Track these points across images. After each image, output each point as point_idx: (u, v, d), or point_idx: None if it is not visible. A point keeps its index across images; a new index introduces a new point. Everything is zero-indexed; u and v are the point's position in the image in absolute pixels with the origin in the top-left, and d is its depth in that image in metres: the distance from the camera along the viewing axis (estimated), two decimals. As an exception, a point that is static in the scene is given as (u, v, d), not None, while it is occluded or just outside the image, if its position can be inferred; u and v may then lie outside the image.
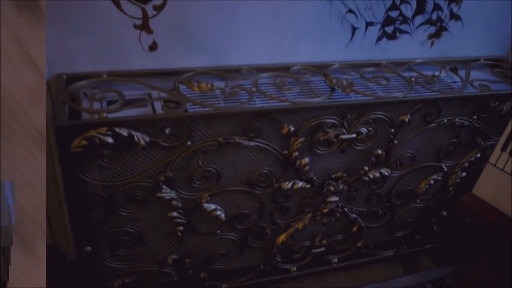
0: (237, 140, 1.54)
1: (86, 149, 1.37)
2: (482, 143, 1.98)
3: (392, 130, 1.75)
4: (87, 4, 1.49)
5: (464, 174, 2.06)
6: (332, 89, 1.67)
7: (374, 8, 1.83)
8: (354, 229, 2.04)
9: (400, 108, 1.72)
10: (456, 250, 2.36)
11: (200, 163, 1.56)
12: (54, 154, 1.69)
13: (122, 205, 1.57)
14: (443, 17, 1.98)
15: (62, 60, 1.57)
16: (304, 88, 1.69)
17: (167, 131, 1.45)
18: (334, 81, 1.70)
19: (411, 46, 1.99)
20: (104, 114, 1.40)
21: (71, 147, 1.36)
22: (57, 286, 1.67)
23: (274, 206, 1.80)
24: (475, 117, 1.89)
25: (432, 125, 1.82)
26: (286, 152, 1.65)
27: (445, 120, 1.83)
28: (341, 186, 1.83)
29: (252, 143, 1.57)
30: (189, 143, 1.50)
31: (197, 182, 1.60)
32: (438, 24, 1.99)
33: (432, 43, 2.03)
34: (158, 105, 1.53)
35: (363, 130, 1.69)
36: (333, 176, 1.81)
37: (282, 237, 1.92)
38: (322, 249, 2.06)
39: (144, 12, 1.55)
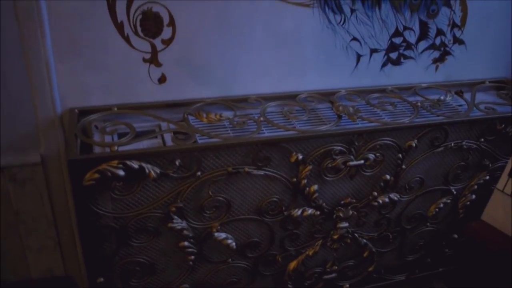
0: (246, 169, 1.56)
1: (98, 182, 1.40)
2: (490, 165, 1.98)
3: (400, 155, 1.76)
4: (98, 41, 1.53)
5: (473, 196, 2.06)
6: (339, 117, 1.69)
7: (378, 36, 1.86)
8: (365, 254, 2.04)
9: (407, 133, 1.73)
10: (469, 273, 2.34)
11: (210, 192, 1.58)
12: (66, 186, 1.72)
13: (133, 235, 1.58)
14: (446, 41, 2.01)
15: (74, 95, 1.61)
16: (311, 116, 1.71)
17: (177, 162, 1.47)
18: (340, 108, 1.72)
19: (416, 71, 2.02)
20: (116, 147, 1.43)
21: (83, 180, 1.39)
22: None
23: (284, 233, 1.81)
24: (482, 139, 1.90)
25: (440, 149, 1.83)
26: (295, 180, 1.66)
27: (452, 144, 1.84)
28: (350, 212, 1.84)
29: (261, 172, 1.59)
30: (199, 173, 1.52)
31: (208, 212, 1.62)
32: (442, 49, 2.01)
33: (436, 67, 2.05)
34: (168, 137, 1.56)
35: (371, 156, 1.70)
36: (342, 202, 1.82)
37: (293, 264, 1.92)
38: (334, 275, 2.06)
39: (153, 46, 1.59)
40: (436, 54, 2.01)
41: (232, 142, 1.51)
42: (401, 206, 1.96)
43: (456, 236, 2.19)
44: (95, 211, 1.47)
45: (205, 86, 1.72)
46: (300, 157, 1.60)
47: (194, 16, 1.58)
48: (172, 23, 1.57)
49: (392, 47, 1.91)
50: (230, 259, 1.80)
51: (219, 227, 1.67)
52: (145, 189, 1.51)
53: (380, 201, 1.86)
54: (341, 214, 1.82)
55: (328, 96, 1.83)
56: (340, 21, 1.76)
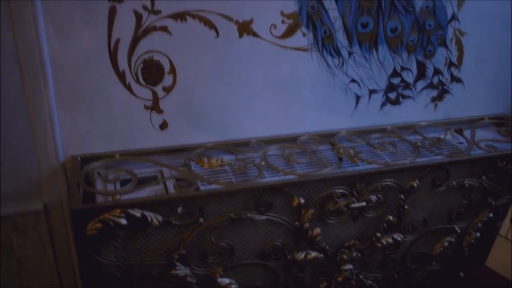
0: (248, 215, 1.56)
1: (100, 231, 1.40)
2: (493, 202, 1.98)
3: (402, 196, 1.77)
4: (100, 90, 1.56)
5: (478, 234, 2.04)
6: (340, 159, 1.70)
7: (376, 77, 1.88)
8: (371, 295, 2.02)
9: (408, 174, 1.74)
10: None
11: (212, 239, 1.57)
12: (69, 234, 1.71)
13: (137, 283, 1.57)
14: (444, 80, 2.03)
15: (76, 143, 1.62)
16: (312, 158, 1.72)
17: (179, 210, 1.47)
18: (341, 150, 1.73)
19: (415, 110, 2.04)
20: (118, 196, 1.44)
21: (86, 230, 1.39)
22: None
23: (288, 277, 1.79)
24: (484, 177, 1.90)
25: (442, 188, 1.83)
26: (297, 223, 1.66)
27: (454, 183, 1.84)
28: (354, 254, 1.83)
29: (263, 217, 1.59)
30: (201, 220, 1.52)
31: (211, 258, 1.61)
32: (440, 87, 2.04)
33: (435, 106, 2.07)
34: (170, 183, 1.57)
35: (373, 197, 1.71)
36: (346, 244, 1.81)
37: (298, 307, 1.90)
38: (339, 317, 2.03)
39: (155, 94, 1.62)
40: (435, 92, 2.04)
41: (234, 189, 1.52)
42: (405, 246, 1.95)
43: (462, 274, 2.16)
44: (98, 260, 1.46)
45: (206, 131, 1.73)
46: (302, 201, 1.60)
47: (194, 63, 1.61)
48: (172, 71, 1.60)
49: (391, 87, 1.93)
50: (234, 304, 1.78)
51: (222, 273, 1.66)
52: (148, 237, 1.51)
53: (384, 242, 1.85)
54: (345, 256, 1.81)
55: (328, 137, 1.84)
56: (338, 64, 1.79)
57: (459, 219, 1.99)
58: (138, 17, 1.49)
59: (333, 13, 1.70)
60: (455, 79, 2.05)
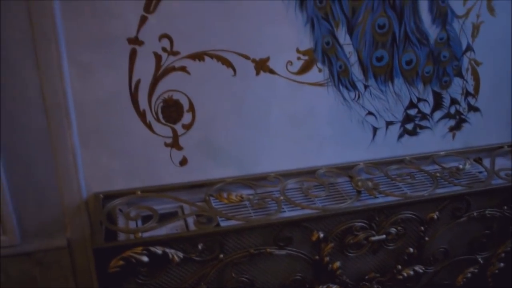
0: (268, 250, 1.57)
1: (122, 268, 1.42)
2: (516, 231, 1.95)
3: (422, 227, 1.76)
4: (121, 129, 1.60)
5: (502, 264, 2.01)
6: (359, 192, 1.71)
7: (393, 108, 1.90)
8: (393, 328, 1.99)
9: (427, 205, 1.73)
10: None
11: (233, 274, 1.58)
12: (92, 269, 1.74)
13: (158, 320, 1.58)
14: (461, 110, 2.03)
15: (98, 180, 1.66)
16: (331, 191, 1.73)
17: (200, 246, 1.49)
18: (359, 183, 1.73)
19: (433, 140, 2.04)
20: (140, 234, 1.46)
21: (108, 267, 1.41)
22: None
23: (309, 310, 1.79)
24: (505, 207, 1.88)
25: (462, 219, 1.82)
26: (317, 257, 1.66)
27: (475, 213, 1.83)
28: (375, 287, 1.82)
29: (283, 252, 1.60)
30: (221, 256, 1.53)
31: (231, 293, 1.62)
32: (457, 117, 2.04)
33: (453, 135, 2.07)
34: (190, 219, 1.59)
35: (393, 230, 1.70)
36: (367, 277, 1.80)
37: None
38: None
39: (174, 131, 1.65)
40: (452, 122, 2.04)
41: (253, 224, 1.53)
42: (427, 278, 1.92)
43: (486, 305, 2.13)
44: (120, 297, 1.48)
45: (225, 166, 1.76)
46: (322, 235, 1.61)
47: (213, 101, 1.65)
48: (192, 109, 1.64)
49: (408, 118, 1.94)
50: None
51: (243, 308, 1.66)
52: (169, 273, 1.52)
53: (405, 274, 1.83)
54: (366, 289, 1.80)
55: (346, 170, 1.85)
56: (355, 97, 1.81)
57: (481, 250, 1.96)
58: (158, 58, 1.54)
59: (348, 48, 1.73)
60: (473, 108, 2.05)
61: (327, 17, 1.66)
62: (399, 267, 1.82)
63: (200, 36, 1.56)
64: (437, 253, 1.87)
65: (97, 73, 1.52)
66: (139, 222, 1.58)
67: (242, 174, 1.78)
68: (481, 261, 1.98)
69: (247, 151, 1.76)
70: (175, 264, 1.49)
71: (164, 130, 1.64)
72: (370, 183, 1.74)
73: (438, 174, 1.85)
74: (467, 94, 2.01)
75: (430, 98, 1.95)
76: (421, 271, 1.85)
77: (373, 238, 1.68)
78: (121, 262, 1.41)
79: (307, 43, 1.67)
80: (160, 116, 1.62)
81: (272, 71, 1.67)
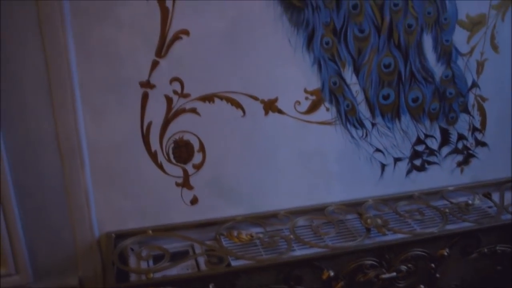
0: (279, 289, 1.57)
1: (134, 309, 1.43)
2: (528, 267, 1.94)
3: (432, 264, 1.75)
4: (133, 169, 1.64)
5: (514, 300, 1.99)
6: (368, 230, 1.72)
7: (401, 145, 1.92)
8: None
9: (437, 242, 1.73)
10: None
11: (243, 313, 1.58)
12: (103, 309, 1.75)
13: None
14: (468, 145, 2.05)
15: (110, 219, 1.69)
16: (340, 229, 1.74)
17: (211, 286, 1.50)
18: (369, 221, 1.74)
19: (441, 175, 2.05)
20: (151, 274, 1.47)
21: (120, 308, 1.42)
22: None
23: None
24: (516, 242, 1.87)
25: (473, 255, 1.81)
26: (328, 295, 1.66)
27: (486, 250, 1.82)
28: (387, 325, 1.80)
29: (294, 291, 1.60)
30: (232, 296, 1.54)
31: (242, 333, 1.61)
32: (465, 152, 2.05)
33: (461, 170, 2.08)
34: (201, 258, 1.60)
35: (403, 268, 1.70)
36: (378, 315, 1.79)
37: None
38: None
39: (185, 171, 1.68)
40: (460, 157, 2.05)
41: (263, 264, 1.55)
42: (440, 315, 1.91)
43: None
44: (131, 338, 1.48)
45: (235, 205, 1.78)
46: (332, 273, 1.61)
47: (223, 141, 1.68)
48: (202, 149, 1.67)
49: (415, 154, 1.96)
50: None
51: None
52: (180, 313, 1.53)
53: (417, 312, 1.82)
54: (377, 328, 1.79)
55: (355, 206, 1.86)
56: (362, 135, 1.84)
57: (494, 286, 1.94)
58: (169, 101, 1.58)
59: (355, 87, 1.76)
60: (480, 143, 2.07)
61: (334, 58, 1.70)
62: (411, 304, 1.81)
63: (210, 79, 1.60)
64: (449, 289, 1.86)
65: (110, 116, 1.56)
66: (151, 262, 1.59)
67: (252, 211, 1.80)
68: (494, 298, 1.97)
69: (257, 189, 1.78)
70: (186, 304, 1.49)
71: (175, 170, 1.67)
72: (379, 220, 1.74)
73: (447, 210, 1.85)
74: (474, 129, 2.03)
75: (437, 134, 1.97)
76: (433, 308, 1.84)
77: (383, 276, 1.68)
78: (133, 303, 1.43)
79: (314, 83, 1.71)
80: (171, 156, 1.65)
81: (280, 111, 1.70)
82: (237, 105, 1.65)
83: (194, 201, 1.73)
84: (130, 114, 1.57)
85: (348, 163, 1.86)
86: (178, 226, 1.74)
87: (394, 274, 1.70)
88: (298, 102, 1.72)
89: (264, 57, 1.63)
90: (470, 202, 1.94)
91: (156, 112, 1.59)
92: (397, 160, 1.93)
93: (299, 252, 1.64)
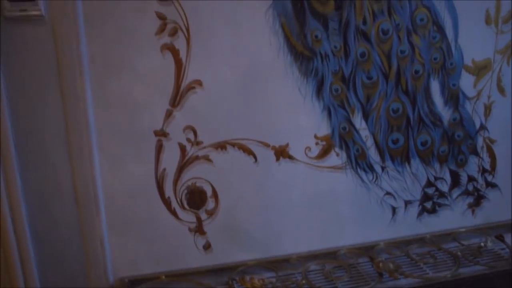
0: (292, 337, 1.57)
1: None
2: (543, 310, 1.92)
3: (446, 309, 1.75)
4: (147, 215, 1.66)
5: None
6: (380, 274, 1.72)
7: (411, 188, 1.93)
8: None
9: (450, 287, 1.73)
10: None
11: None
12: None
13: None
14: (479, 186, 2.06)
15: (125, 265, 1.71)
16: (352, 273, 1.74)
17: (224, 334, 1.50)
18: (381, 265, 1.75)
19: (453, 217, 2.05)
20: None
21: None
22: None
23: None
24: (531, 286, 1.86)
25: (487, 299, 1.80)
26: None
27: (500, 293, 1.81)
28: None
29: (307, 338, 1.60)
30: None
31: None
32: (476, 194, 2.06)
33: (473, 212, 2.08)
34: (214, 305, 1.61)
35: (417, 313, 1.69)
36: None
37: None
38: None
39: (198, 217, 1.71)
40: (471, 199, 2.06)
41: (276, 311, 1.55)
42: None
43: None
44: None
45: (247, 249, 1.79)
46: (345, 320, 1.61)
47: (235, 187, 1.71)
48: (215, 195, 1.70)
49: (426, 197, 1.97)
50: None
51: None
52: None
53: None
54: None
55: (367, 250, 1.87)
56: (372, 178, 1.86)
57: (509, 330, 1.92)
58: (183, 149, 1.62)
59: (364, 132, 1.80)
60: (490, 185, 2.07)
61: (343, 104, 1.74)
62: None
63: (222, 127, 1.64)
64: (464, 334, 1.84)
65: (125, 163, 1.60)
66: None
67: (265, 256, 1.81)
68: None
69: (269, 234, 1.80)
70: None
71: (188, 216, 1.70)
72: (391, 265, 1.75)
73: (459, 253, 1.85)
74: (483, 171, 2.04)
75: (447, 177, 1.98)
76: None
77: (397, 322, 1.68)
78: None
79: (324, 129, 1.75)
80: (185, 203, 1.68)
81: (291, 157, 1.73)
82: (249, 152, 1.68)
83: (207, 246, 1.75)
84: (145, 161, 1.61)
85: (359, 207, 1.88)
86: (191, 271, 1.75)
87: (408, 319, 1.69)
88: (309, 148, 1.75)
89: (275, 105, 1.67)
90: (482, 244, 1.93)
91: (170, 159, 1.63)
92: (407, 203, 1.95)
93: (312, 298, 1.64)
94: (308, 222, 1.83)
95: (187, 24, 1.52)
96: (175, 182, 1.66)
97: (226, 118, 1.64)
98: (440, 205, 2.01)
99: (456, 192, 2.02)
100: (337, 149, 1.78)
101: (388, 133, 1.83)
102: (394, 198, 1.92)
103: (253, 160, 1.70)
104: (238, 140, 1.67)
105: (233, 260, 1.79)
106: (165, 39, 1.52)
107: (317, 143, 1.75)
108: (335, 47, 1.68)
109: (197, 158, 1.65)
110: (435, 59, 1.81)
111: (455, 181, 2.00)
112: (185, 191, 1.67)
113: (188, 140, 1.62)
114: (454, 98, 1.89)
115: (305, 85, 1.68)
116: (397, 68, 1.77)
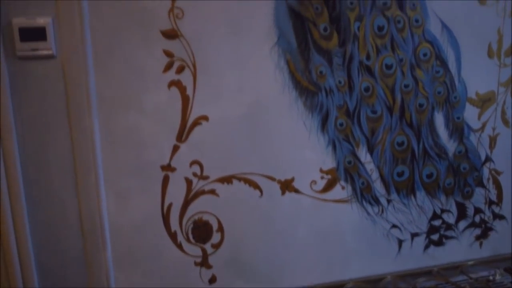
0: None
1: None
2: None
3: None
4: (153, 250, 1.67)
5: None
6: (387, 310, 1.71)
7: (417, 220, 1.93)
8: None
9: (459, 322, 1.71)
10: None
11: None
12: None
13: None
14: (486, 218, 2.05)
15: (131, 299, 1.71)
16: (359, 308, 1.73)
17: None
18: (388, 300, 1.74)
19: (460, 249, 2.04)
20: None
21: None
22: None
23: None
24: (541, 320, 1.84)
25: (496, 334, 1.78)
26: None
27: (509, 328, 1.79)
28: None
29: None
30: None
31: None
32: (483, 226, 2.05)
33: (480, 244, 2.07)
34: None
35: None
36: None
37: None
38: None
39: (204, 251, 1.71)
40: (478, 231, 2.05)
41: None
42: None
43: None
44: None
45: (253, 283, 1.79)
46: None
47: (241, 221, 1.72)
48: (220, 229, 1.70)
49: (432, 229, 1.96)
50: None
51: None
52: None
53: None
54: None
55: (374, 283, 1.86)
56: (378, 211, 1.86)
57: None
58: (189, 183, 1.64)
59: (369, 165, 1.81)
60: (498, 216, 2.07)
61: (348, 138, 1.75)
62: None
63: (228, 161, 1.66)
64: None
65: (132, 198, 1.62)
66: None
67: (270, 289, 1.81)
68: None
69: (275, 267, 1.80)
70: None
71: (194, 249, 1.70)
72: (398, 299, 1.74)
73: (468, 287, 1.83)
74: (490, 202, 2.04)
75: (454, 209, 1.98)
76: None
77: None
78: None
79: (329, 163, 1.76)
80: (190, 236, 1.69)
81: (297, 191, 1.74)
82: (255, 185, 1.69)
83: (212, 280, 1.75)
84: (151, 196, 1.63)
85: (365, 240, 1.87)
86: (196, 305, 1.75)
87: None
88: (314, 182, 1.76)
89: (280, 139, 1.69)
90: (491, 278, 1.92)
91: (176, 194, 1.64)
92: (414, 235, 1.94)
93: (318, 333, 1.63)
94: (314, 255, 1.83)
95: (194, 60, 1.56)
96: (181, 216, 1.67)
97: (232, 152, 1.66)
98: (447, 237, 2.00)
99: (463, 224, 2.02)
100: (342, 182, 1.79)
101: (393, 166, 1.83)
102: (400, 230, 1.91)
103: (259, 193, 1.71)
104: (244, 174, 1.68)
105: (239, 294, 1.78)
106: (172, 75, 1.55)
107: (322, 177, 1.76)
108: (340, 82, 1.70)
109: (203, 192, 1.66)
110: (438, 92, 1.83)
111: (462, 213, 1.99)
112: (191, 225, 1.68)
113: (194, 174, 1.64)
114: (459, 130, 1.90)
115: (310, 119, 1.70)
116: (401, 102, 1.78)
